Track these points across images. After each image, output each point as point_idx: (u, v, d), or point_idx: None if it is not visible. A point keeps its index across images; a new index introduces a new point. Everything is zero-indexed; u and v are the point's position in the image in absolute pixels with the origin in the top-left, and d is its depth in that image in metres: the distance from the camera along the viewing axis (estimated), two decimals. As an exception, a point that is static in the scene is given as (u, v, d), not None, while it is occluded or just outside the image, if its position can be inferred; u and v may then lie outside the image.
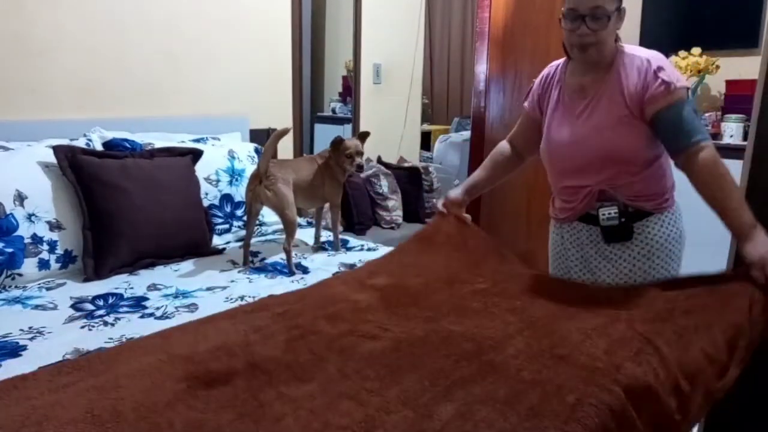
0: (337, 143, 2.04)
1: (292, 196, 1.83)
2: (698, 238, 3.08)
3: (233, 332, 1.17)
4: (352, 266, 1.81)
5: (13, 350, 1.19)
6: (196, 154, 1.99)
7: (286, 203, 1.81)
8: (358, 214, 2.83)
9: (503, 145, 1.71)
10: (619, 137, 1.45)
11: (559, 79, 1.57)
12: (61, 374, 1.00)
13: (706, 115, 3.19)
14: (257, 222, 2.17)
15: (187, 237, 1.85)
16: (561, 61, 1.61)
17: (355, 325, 1.22)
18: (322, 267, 1.81)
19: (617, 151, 1.45)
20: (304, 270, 1.79)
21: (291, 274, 1.73)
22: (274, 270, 1.77)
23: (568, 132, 1.51)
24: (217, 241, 2.02)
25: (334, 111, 3.44)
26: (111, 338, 1.26)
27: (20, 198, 1.62)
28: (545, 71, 1.64)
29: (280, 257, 1.88)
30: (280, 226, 2.26)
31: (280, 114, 2.82)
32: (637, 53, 1.46)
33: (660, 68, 1.41)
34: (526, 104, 1.67)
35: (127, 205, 1.71)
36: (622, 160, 1.46)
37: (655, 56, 1.44)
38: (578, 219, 1.56)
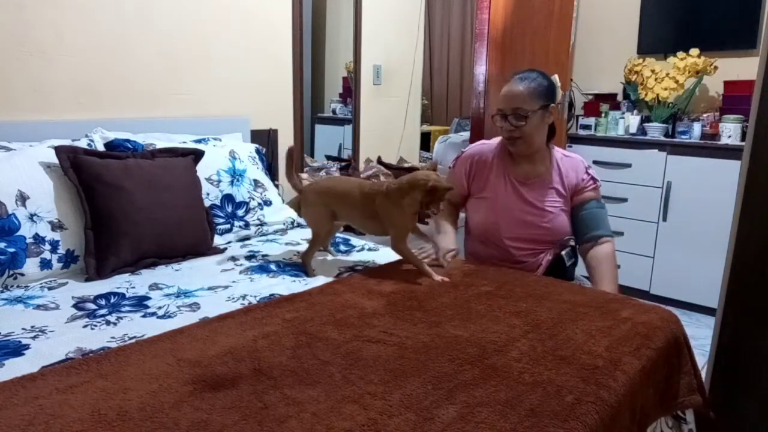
0: (435, 189, 1.63)
1: (318, 216, 1.81)
2: (698, 240, 3.10)
3: (242, 338, 1.19)
4: (352, 267, 1.82)
5: (16, 349, 1.20)
6: (198, 155, 2.00)
7: (310, 223, 1.87)
8: (358, 215, 2.84)
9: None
10: (563, 220, 1.87)
11: (498, 165, 1.91)
12: (69, 375, 1.01)
13: (705, 115, 3.21)
14: (259, 222, 2.18)
15: (189, 237, 1.85)
16: (489, 145, 1.98)
17: (361, 331, 1.24)
18: (322, 267, 1.82)
19: (561, 228, 1.87)
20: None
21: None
22: (276, 270, 1.78)
23: (521, 216, 1.86)
24: (218, 240, 2.03)
25: (334, 112, 3.44)
26: (113, 337, 1.26)
27: (22, 198, 1.62)
28: (475, 153, 1.98)
29: (282, 257, 1.89)
30: (281, 226, 2.27)
31: (280, 115, 2.83)
32: (568, 154, 1.94)
33: (589, 167, 1.92)
34: (455, 169, 2.00)
35: (128, 205, 1.71)
36: (564, 233, 1.88)
37: (581, 158, 1.94)
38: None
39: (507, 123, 1.79)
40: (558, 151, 1.93)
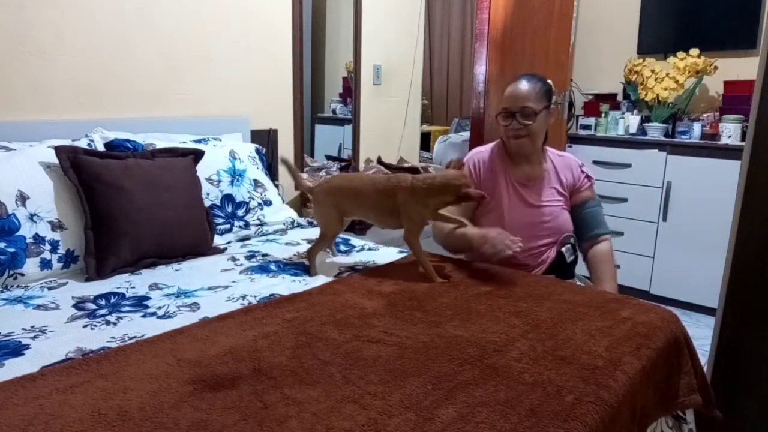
0: (469, 196, 1.61)
1: (328, 217, 1.77)
2: (698, 240, 3.10)
3: (242, 338, 1.19)
4: (352, 267, 1.82)
5: (16, 349, 1.20)
6: (198, 155, 2.00)
7: (320, 223, 1.83)
8: (358, 215, 2.84)
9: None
10: (565, 217, 1.90)
11: (499, 169, 1.92)
12: (69, 375, 1.01)
13: (705, 115, 3.21)
14: (259, 222, 2.18)
15: (189, 237, 1.85)
16: (485, 152, 1.97)
17: (361, 331, 1.24)
18: (322, 267, 1.82)
19: (564, 226, 1.89)
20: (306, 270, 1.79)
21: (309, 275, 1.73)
22: (276, 270, 1.78)
23: (525, 218, 1.87)
24: (218, 240, 2.03)
25: (334, 112, 3.44)
26: (113, 337, 1.26)
27: (22, 198, 1.62)
28: (477, 161, 1.96)
29: (282, 256, 1.89)
30: (281, 226, 2.27)
31: (280, 115, 2.83)
32: (560, 153, 1.97)
33: (582, 165, 1.96)
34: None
35: (128, 205, 1.71)
36: (566, 231, 1.90)
37: (573, 156, 1.98)
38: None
39: (514, 122, 1.82)
40: (551, 152, 1.97)
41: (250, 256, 1.90)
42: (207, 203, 2.03)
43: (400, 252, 2.00)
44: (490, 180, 1.93)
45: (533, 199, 1.88)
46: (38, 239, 1.62)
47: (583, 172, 1.93)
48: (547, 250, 1.89)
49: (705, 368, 1.71)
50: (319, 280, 1.66)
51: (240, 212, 2.15)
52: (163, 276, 1.69)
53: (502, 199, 1.89)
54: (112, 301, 1.49)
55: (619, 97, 3.59)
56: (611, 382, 1.05)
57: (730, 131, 2.99)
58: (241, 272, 1.74)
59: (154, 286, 1.60)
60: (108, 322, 1.35)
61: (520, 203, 1.88)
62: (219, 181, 2.11)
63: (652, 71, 3.26)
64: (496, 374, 1.06)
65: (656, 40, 3.49)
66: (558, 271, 1.85)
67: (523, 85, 1.82)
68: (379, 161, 3.21)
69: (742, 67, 3.17)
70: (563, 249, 1.86)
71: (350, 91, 3.28)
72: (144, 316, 1.39)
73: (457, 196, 1.60)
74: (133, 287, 1.59)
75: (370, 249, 2.06)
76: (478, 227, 1.88)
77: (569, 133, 3.49)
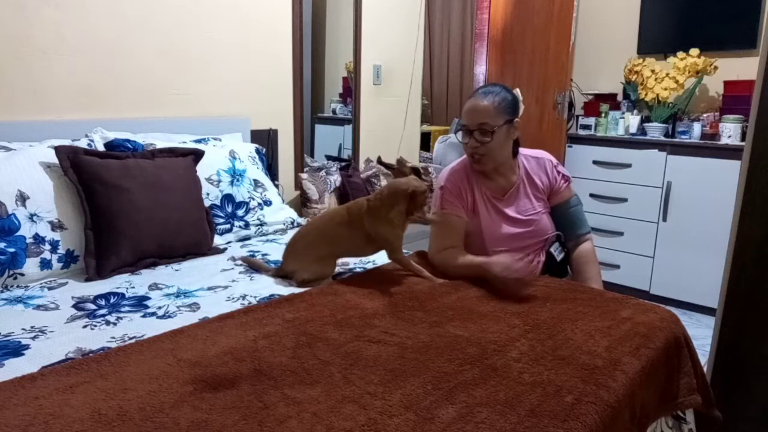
0: (415, 194, 1.61)
1: (318, 268, 1.68)
2: (698, 240, 3.10)
3: (243, 338, 1.19)
4: (352, 267, 1.82)
5: (16, 349, 1.20)
6: (198, 155, 2.00)
7: (296, 274, 1.69)
8: (358, 215, 2.83)
9: (456, 254, 1.75)
10: (545, 221, 1.85)
11: (473, 185, 1.82)
12: (69, 375, 1.01)
13: (705, 115, 3.21)
14: (259, 222, 2.18)
15: (189, 237, 1.86)
16: (460, 168, 1.84)
17: (362, 331, 1.24)
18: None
19: (546, 230, 1.84)
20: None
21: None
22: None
23: (506, 231, 1.81)
24: (218, 240, 2.03)
25: (334, 112, 3.44)
26: (113, 337, 1.27)
27: (22, 198, 1.62)
28: (453, 180, 1.83)
29: (282, 257, 1.89)
30: (281, 226, 2.27)
31: (280, 115, 2.83)
32: (533, 154, 1.89)
33: (558, 164, 1.88)
34: (445, 205, 1.79)
35: (128, 205, 1.71)
36: (549, 233, 1.85)
37: (548, 154, 1.90)
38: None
39: (472, 139, 1.72)
40: (523, 154, 1.87)
41: (250, 256, 1.90)
42: (207, 203, 2.03)
43: (400, 252, 2.00)
44: (469, 198, 1.82)
45: (511, 211, 1.81)
46: (38, 239, 1.62)
47: (558, 172, 1.87)
48: (534, 255, 1.85)
49: (705, 368, 1.71)
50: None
51: (240, 212, 2.15)
52: (163, 276, 1.69)
53: (481, 215, 1.81)
54: (112, 301, 1.49)
55: (619, 97, 3.59)
56: (611, 382, 1.05)
57: (730, 131, 2.99)
58: (241, 272, 1.74)
59: (154, 286, 1.60)
60: (108, 322, 1.35)
61: (499, 217, 1.81)
62: (219, 181, 2.12)
63: (652, 71, 3.26)
64: (496, 374, 1.06)
65: (656, 40, 3.50)
66: (550, 271, 1.83)
67: (481, 100, 1.70)
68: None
69: (742, 67, 3.17)
70: (551, 248, 1.84)
71: (350, 91, 3.28)
72: (144, 316, 1.39)
73: (408, 200, 1.59)
74: (133, 287, 1.59)
75: (370, 249, 2.05)
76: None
77: (569, 133, 3.49)
